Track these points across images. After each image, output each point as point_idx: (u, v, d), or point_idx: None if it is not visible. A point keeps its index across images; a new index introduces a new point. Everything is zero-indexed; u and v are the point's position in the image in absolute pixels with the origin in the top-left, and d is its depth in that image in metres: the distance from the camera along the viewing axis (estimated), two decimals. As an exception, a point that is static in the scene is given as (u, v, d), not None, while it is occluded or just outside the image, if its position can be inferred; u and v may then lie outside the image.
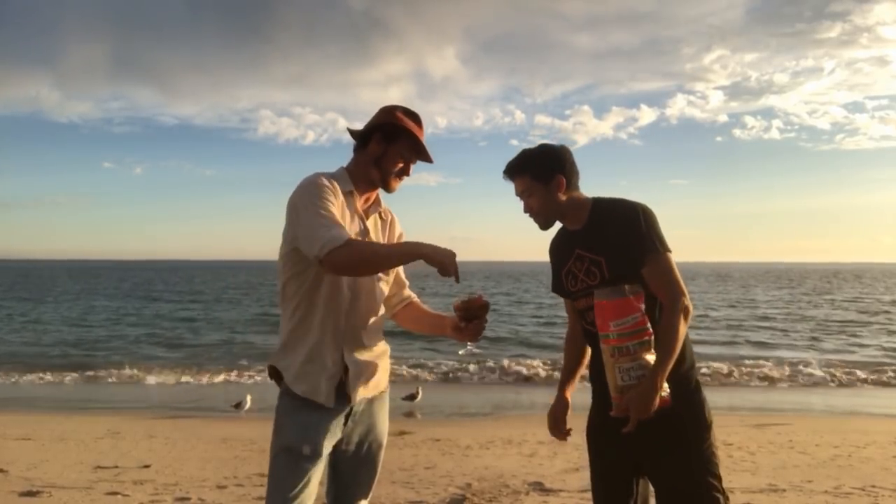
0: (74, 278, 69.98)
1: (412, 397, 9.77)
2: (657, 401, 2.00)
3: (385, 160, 2.15)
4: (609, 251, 2.15)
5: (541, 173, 2.21)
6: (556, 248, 2.36)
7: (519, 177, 2.25)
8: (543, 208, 2.24)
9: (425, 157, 2.22)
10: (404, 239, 2.36)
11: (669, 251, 2.12)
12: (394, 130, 2.14)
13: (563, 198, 2.22)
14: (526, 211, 2.28)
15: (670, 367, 2.04)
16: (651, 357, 2.05)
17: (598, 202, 2.25)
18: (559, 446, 6.24)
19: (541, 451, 6.03)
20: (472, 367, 12.95)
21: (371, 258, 1.97)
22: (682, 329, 2.06)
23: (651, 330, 2.07)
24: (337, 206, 2.02)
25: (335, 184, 2.08)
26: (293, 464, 2.03)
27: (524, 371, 12.93)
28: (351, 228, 2.08)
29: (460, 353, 2.29)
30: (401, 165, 2.17)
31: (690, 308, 2.09)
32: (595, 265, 2.17)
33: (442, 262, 1.88)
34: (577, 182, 2.26)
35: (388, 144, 2.14)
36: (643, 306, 2.06)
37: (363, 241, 2.05)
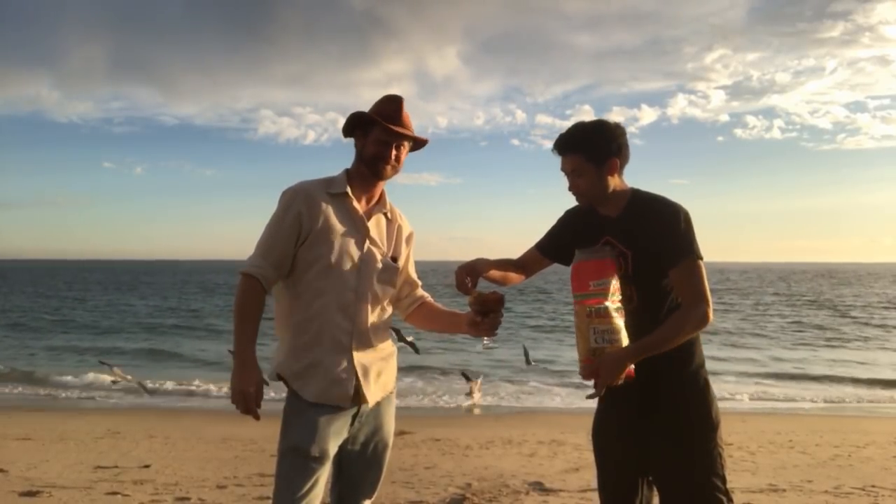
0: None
1: (468, 394, 9.20)
2: (626, 370, 2.01)
3: (364, 151, 2.18)
4: (639, 247, 2.12)
5: (596, 154, 2.12)
6: (579, 223, 2.28)
7: (571, 154, 2.15)
8: (591, 190, 2.16)
9: (407, 137, 2.19)
10: (414, 240, 2.37)
11: (702, 258, 2.10)
12: (366, 121, 2.17)
13: (612, 182, 2.16)
14: (571, 189, 2.21)
15: (655, 350, 2.03)
16: (621, 322, 2.05)
17: (638, 194, 2.20)
18: (559, 446, 6.25)
19: (541, 451, 6.03)
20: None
21: (237, 301, 2.09)
22: (689, 329, 2.06)
23: (620, 298, 2.08)
24: (287, 224, 2.09)
25: (304, 195, 2.11)
26: (301, 464, 2.03)
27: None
28: (343, 231, 2.12)
29: (477, 348, 2.29)
30: (379, 150, 2.16)
31: (710, 318, 2.07)
32: (622, 257, 2.14)
33: (231, 390, 2.01)
34: (625, 167, 2.19)
35: (365, 136, 2.17)
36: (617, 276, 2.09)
37: (248, 286, 2.07)
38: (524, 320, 24.57)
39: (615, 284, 2.07)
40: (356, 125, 2.20)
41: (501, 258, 2.38)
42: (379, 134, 2.16)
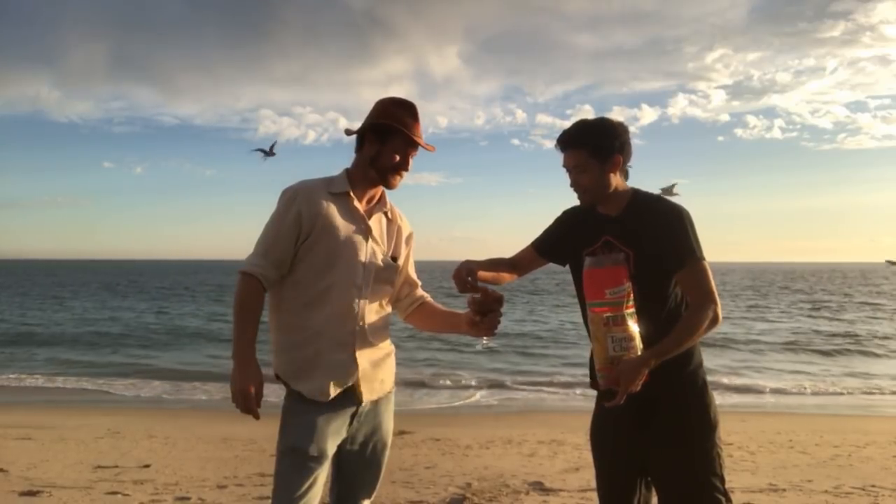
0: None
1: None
2: (644, 376, 2.00)
3: (380, 159, 2.15)
4: (641, 247, 2.11)
5: (599, 150, 2.12)
6: (578, 223, 2.27)
7: (575, 150, 2.14)
8: (593, 187, 2.15)
9: (423, 147, 2.21)
10: (413, 241, 2.37)
11: (705, 259, 2.10)
12: (385, 129, 2.14)
13: (614, 180, 2.16)
14: (572, 186, 2.20)
15: (671, 353, 2.02)
16: (636, 327, 2.04)
17: (639, 194, 2.20)
18: (559, 446, 6.25)
19: (541, 451, 6.03)
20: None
21: (237, 300, 2.08)
22: (703, 329, 2.05)
23: (633, 303, 2.06)
24: (288, 223, 2.08)
25: (305, 194, 2.11)
26: (300, 464, 2.03)
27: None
28: (345, 230, 2.11)
29: (476, 347, 2.28)
30: (397, 160, 2.16)
31: (720, 318, 2.07)
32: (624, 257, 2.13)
33: (232, 389, 2.00)
34: (627, 166, 2.19)
35: (382, 144, 2.14)
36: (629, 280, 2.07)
37: (248, 285, 2.07)
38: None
39: (628, 289, 2.06)
40: (372, 129, 2.16)
41: (492, 258, 2.36)
42: (399, 145, 2.14)
